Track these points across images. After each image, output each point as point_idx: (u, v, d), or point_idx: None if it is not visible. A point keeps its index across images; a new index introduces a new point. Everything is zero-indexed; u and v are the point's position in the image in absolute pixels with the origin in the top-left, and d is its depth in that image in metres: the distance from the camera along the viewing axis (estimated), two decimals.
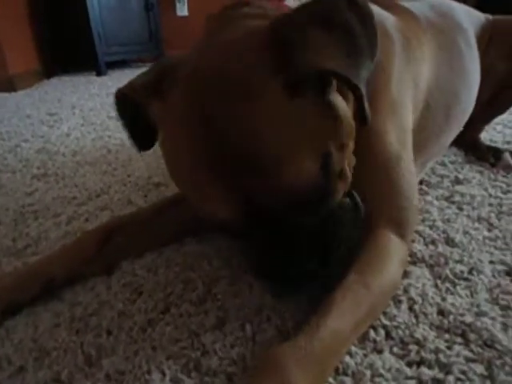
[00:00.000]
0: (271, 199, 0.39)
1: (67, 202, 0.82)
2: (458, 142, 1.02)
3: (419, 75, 0.61)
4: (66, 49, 2.67)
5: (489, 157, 0.92)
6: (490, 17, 0.90)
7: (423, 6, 0.74)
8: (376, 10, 0.61)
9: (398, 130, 0.53)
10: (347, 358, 0.42)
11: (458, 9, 0.81)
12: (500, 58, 0.82)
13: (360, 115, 0.41)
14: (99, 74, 2.59)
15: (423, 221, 0.68)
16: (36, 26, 2.50)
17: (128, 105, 0.49)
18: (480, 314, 0.47)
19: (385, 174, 0.51)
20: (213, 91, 0.38)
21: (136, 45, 2.86)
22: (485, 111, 0.94)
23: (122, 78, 2.49)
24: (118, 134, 1.27)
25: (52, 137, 1.29)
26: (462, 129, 0.86)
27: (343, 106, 0.44)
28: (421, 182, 0.82)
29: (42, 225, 0.73)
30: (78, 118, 1.53)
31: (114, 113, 1.34)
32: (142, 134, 0.52)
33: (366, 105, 0.39)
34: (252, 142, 0.37)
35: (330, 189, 0.43)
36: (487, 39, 0.84)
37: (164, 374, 0.42)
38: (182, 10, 3.17)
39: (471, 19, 0.83)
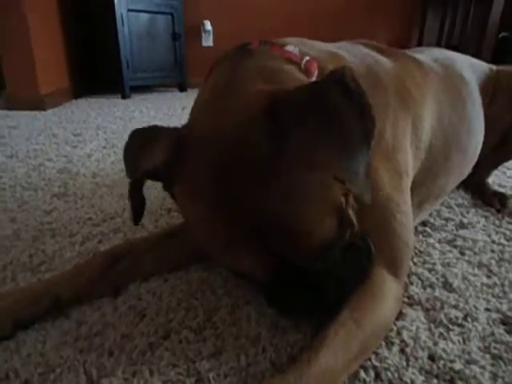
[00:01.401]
0: (298, 258, 0.43)
1: (83, 222, 0.86)
2: (466, 185, 1.04)
3: (420, 118, 0.63)
4: (95, 71, 2.83)
5: (495, 202, 0.94)
6: (494, 67, 0.93)
7: (427, 58, 0.78)
8: (374, 55, 0.65)
9: (392, 173, 0.56)
10: None
11: (460, 61, 0.84)
12: (505, 107, 0.85)
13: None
14: (124, 97, 2.72)
15: (423, 263, 0.69)
16: (69, 50, 2.66)
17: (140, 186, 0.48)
18: (470, 361, 0.48)
19: (375, 215, 0.53)
20: (230, 161, 0.40)
21: (161, 71, 2.99)
22: (492, 156, 0.96)
23: (144, 101, 2.60)
24: None
25: (74, 157, 1.36)
26: (466, 173, 0.87)
27: None
28: (425, 224, 0.84)
29: (58, 243, 0.77)
30: (101, 139, 1.60)
31: None
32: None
33: (366, 197, 0.39)
34: (270, 205, 0.39)
35: (345, 236, 0.46)
36: (492, 89, 0.87)
37: None
38: (208, 41, 3.31)
39: (474, 70, 0.87)
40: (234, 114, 0.42)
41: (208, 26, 3.26)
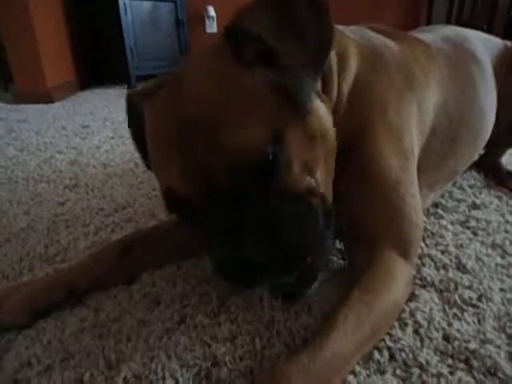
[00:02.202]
0: (215, 165, 0.40)
1: (95, 212, 0.87)
2: (479, 165, 1.03)
3: (424, 101, 0.62)
4: (100, 63, 2.83)
5: (509, 182, 0.92)
6: (510, 43, 0.91)
7: (436, 38, 0.76)
8: (380, 39, 0.64)
9: (399, 154, 0.55)
10: (351, 377, 0.44)
11: (472, 38, 0.82)
12: None
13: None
14: (130, 87, 2.71)
15: (436, 245, 0.69)
16: (73, 42, 2.65)
17: (130, 106, 0.55)
18: (485, 341, 0.48)
19: (385, 198, 0.53)
20: (181, 81, 0.44)
21: (166, 60, 2.96)
22: (506, 136, 0.94)
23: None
24: None
25: (84, 149, 1.37)
26: (477, 154, 0.86)
27: (322, 107, 0.48)
28: (436, 206, 0.83)
29: (71, 234, 0.79)
30: (109, 130, 1.61)
31: None
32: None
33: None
34: (202, 106, 0.41)
35: (279, 167, 0.42)
36: (507, 66, 0.84)
37: (177, 382, 0.45)
38: (211, 27, 3.27)
39: (488, 47, 0.84)
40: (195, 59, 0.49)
41: (211, 11, 3.21)
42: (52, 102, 2.27)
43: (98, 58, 2.82)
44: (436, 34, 0.79)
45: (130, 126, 0.59)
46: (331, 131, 0.49)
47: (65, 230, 0.80)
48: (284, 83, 0.43)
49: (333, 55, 0.54)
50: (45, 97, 2.27)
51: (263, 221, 0.40)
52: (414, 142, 0.59)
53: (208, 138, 0.40)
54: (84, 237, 0.77)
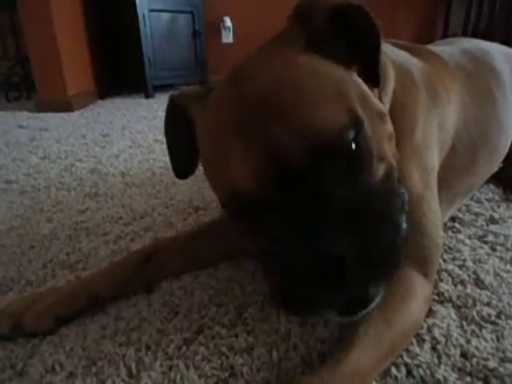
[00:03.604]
0: (291, 150, 0.35)
1: (115, 221, 0.90)
2: (497, 179, 1.02)
3: (445, 119, 0.63)
4: (119, 72, 2.90)
5: None
6: None
7: (455, 51, 0.77)
8: (405, 56, 0.65)
9: (422, 171, 0.56)
10: None
11: (493, 52, 0.82)
12: None
13: (373, 70, 0.44)
14: (147, 96, 2.77)
15: (453, 260, 0.69)
16: (93, 52, 2.73)
17: (175, 109, 0.55)
18: (505, 359, 0.48)
19: (407, 214, 0.53)
20: (243, 73, 0.43)
21: (183, 70, 3.03)
22: None
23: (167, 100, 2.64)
24: (162, 157, 1.36)
25: (103, 157, 1.40)
26: (495, 168, 0.85)
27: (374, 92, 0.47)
28: (454, 220, 0.83)
29: (92, 242, 0.81)
30: (127, 139, 1.64)
31: (159, 136, 1.45)
32: (184, 154, 0.57)
33: (381, 58, 0.43)
34: (274, 90, 0.38)
35: (362, 156, 0.38)
36: None
37: None
38: (228, 38, 3.32)
39: (508, 59, 0.84)
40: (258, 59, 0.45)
41: (228, 22, 3.27)
42: (72, 110, 2.34)
43: (117, 67, 2.89)
44: (455, 47, 0.80)
45: (167, 129, 0.59)
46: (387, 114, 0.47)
47: (86, 237, 0.83)
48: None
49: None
50: (65, 105, 2.34)
51: (351, 217, 0.35)
52: (435, 158, 0.60)
53: (284, 121, 0.36)
54: (104, 245, 0.79)
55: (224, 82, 0.46)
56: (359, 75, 0.45)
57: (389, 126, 0.47)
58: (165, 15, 2.82)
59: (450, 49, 0.78)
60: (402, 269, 0.51)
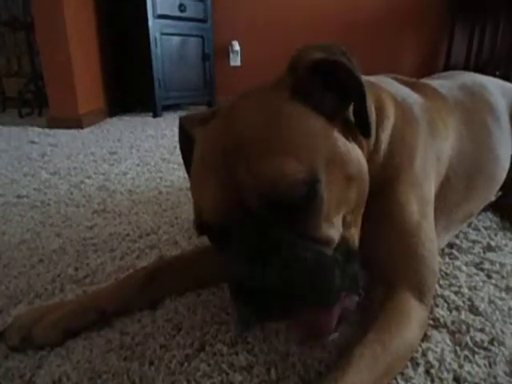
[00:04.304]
0: (248, 193, 0.41)
1: (121, 238, 0.92)
2: (495, 207, 1.04)
3: (442, 151, 0.66)
4: (128, 92, 2.99)
5: None
6: None
7: (453, 86, 0.81)
8: (406, 92, 0.68)
9: (420, 200, 0.58)
10: None
11: (489, 86, 0.86)
12: None
13: (362, 121, 0.48)
14: (155, 115, 2.84)
15: (449, 286, 0.70)
16: (105, 72, 2.82)
17: (183, 129, 0.60)
18: None
19: (405, 242, 0.56)
20: (233, 113, 0.47)
21: (191, 91, 3.11)
22: None
23: (175, 120, 2.71)
24: (168, 176, 1.40)
25: (111, 175, 1.44)
26: (492, 197, 0.88)
27: (354, 148, 0.50)
28: (451, 246, 0.85)
29: (99, 257, 0.83)
30: (135, 157, 1.69)
31: (166, 155, 1.50)
32: None
33: (369, 109, 0.47)
34: (249, 133, 0.44)
35: (312, 208, 0.43)
36: None
37: None
38: (235, 61, 3.42)
39: (505, 94, 0.88)
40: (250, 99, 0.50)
41: (236, 46, 3.37)
42: (82, 127, 2.40)
43: (127, 87, 2.98)
44: (454, 82, 0.84)
45: (180, 145, 0.64)
46: (366, 175, 0.51)
47: (93, 253, 0.85)
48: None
49: (371, 106, 0.56)
50: (76, 122, 2.40)
51: (285, 260, 0.41)
52: (432, 189, 0.63)
53: (248, 164, 0.41)
54: (111, 261, 0.82)
55: (223, 112, 0.50)
56: (350, 125, 0.49)
57: (360, 190, 0.49)
58: (176, 39, 2.92)
59: (448, 83, 0.82)
60: (399, 294, 0.54)
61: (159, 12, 2.71)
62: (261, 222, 0.42)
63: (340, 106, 0.49)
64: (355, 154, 0.49)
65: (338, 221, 0.46)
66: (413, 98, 0.67)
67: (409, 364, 0.52)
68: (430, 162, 0.63)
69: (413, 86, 0.71)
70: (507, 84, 0.96)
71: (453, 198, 0.70)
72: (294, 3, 3.19)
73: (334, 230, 0.45)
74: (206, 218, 0.45)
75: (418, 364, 0.53)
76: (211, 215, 0.45)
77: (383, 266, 0.57)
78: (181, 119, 0.61)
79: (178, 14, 2.83)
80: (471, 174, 0.72)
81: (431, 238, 0.58)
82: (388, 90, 0.64)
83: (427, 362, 0.53)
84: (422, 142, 0.62)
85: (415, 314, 0.53)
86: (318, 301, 0.43)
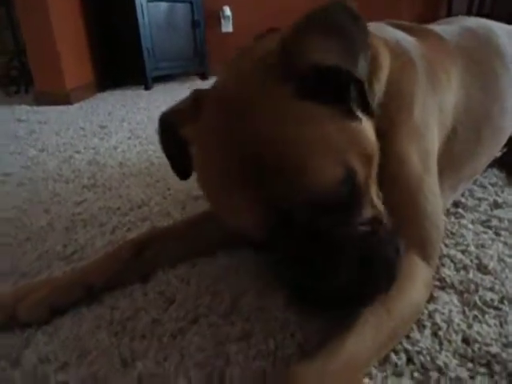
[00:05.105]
0: (292, 203, 0.40)
1: (112, 212, 0.89)
2: (501, 163, 0.99)
3: (444, 101, 0.61)
4: (117, 65, 2.86)
5: None
6: None
7: (456, 30, 0.74)
8: (402, 36, 0.62)
9: (421, 153, 0.54)
10: (366, 380, 0.43)
11: (497, 30, 0.79)
12: None
13: (362, 103, 0.43)
14: (147, 88, 2.74)
15: (456, 245, 0.67)
16: (91, 44, 2.70)
17: (168, 128, 0.54)
18: (508, 345, 0.46)
19: (408, 197, 0.52)
20: (233, 110, 0.42)
21: (182, 60, 2.99)
22: None
23: (167, 91, 2.62)
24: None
25: (102, 149, 1.39)
26: (499, 151, 0.83)
27: (367, 124, 0.46)
28: (457, 205, 0.81)
29: (89, 232, 0.80)
30: (126, 131, 1.63)
31: None
32: (182, 161, 0.56)
33: (368, 92, 0.42)
34: (269, 147, 0.40)
35: (354, 200, 0.43)
36: None
37: (190, 381, 0.45)
38: (227, 27, 3.28)
39: None
40: (239, 69, 0.46)
41: (227, 11, 3.22)
42: (71, 103, 2.32)
43: (116, 59, 2.86)
44: (457, 26, 0.77)
45: (162, 144, 0.58)
46: (377, 145, 0.47)
47: (82, 228, 0.82)
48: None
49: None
50: (64, 98, 2.32)
51: (352, 251, 0.42)
52: (435, 142, 0.58)
53: (281, 175, 0.39)
54: (101, 236, 0.78)
55: (214, 105, 0.46)
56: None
57: (377, 160, 0.48)
58: (163, 5, 2.78)
59: (451, 27, 0.75)
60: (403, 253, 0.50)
61: None
62: (309, 225, 0.41)
63: (341, 91, 0.43)
64: (368, 130, 0.46)
65: (373, 196, 0.46)
66: (408, 42, 0.61)
67: (415, 327, 0.50)
68: (431, 112, 0.58)
69: (410, 30, 0.65)
70: None
71: (461, 153, 0.65)
72: None
73: (374, 208, 0.46)
74: (251, 236, 0.46)
75: (424, 326, 0.50)
76: (256, 232, 0.44)
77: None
78: (161, 117, 0.55)
79: None
80: (479, 125, 0.67)
81: (434, 192, 0.54)
82: (380, 36, 0.58)
83: (434, 323, 0.50)
84: (420, 88, 0.57)
85: (420, 274, 0.50)
86: (391, 276, 0.44)
